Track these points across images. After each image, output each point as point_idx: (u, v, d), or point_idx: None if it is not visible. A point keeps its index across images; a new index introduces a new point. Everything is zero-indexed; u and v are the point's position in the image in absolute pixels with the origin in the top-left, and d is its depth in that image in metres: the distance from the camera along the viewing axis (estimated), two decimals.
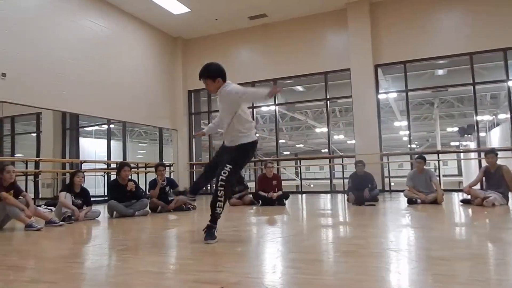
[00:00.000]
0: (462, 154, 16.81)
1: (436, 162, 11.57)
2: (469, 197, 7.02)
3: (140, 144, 21.77)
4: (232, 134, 3.96)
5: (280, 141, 17.60)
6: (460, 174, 25.31)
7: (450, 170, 28.33)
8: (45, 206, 8.17)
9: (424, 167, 7.62)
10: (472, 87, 10.90)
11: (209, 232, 3.70)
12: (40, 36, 9.07)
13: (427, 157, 8.03)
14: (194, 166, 13.77)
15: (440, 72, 14.52)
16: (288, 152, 33.83)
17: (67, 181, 8.90)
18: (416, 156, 7.97)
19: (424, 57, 11.26)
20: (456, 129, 23.39)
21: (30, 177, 9.34)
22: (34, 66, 8.84)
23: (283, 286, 2.25)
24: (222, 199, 3.75)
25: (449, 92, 18.28)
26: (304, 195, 11.49)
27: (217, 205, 3.75)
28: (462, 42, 10.71)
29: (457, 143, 28.46)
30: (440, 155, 12.09)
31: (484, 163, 7.81)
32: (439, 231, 4.27)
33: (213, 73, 4.01)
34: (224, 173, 3.75)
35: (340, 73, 12.23)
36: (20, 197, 5.38)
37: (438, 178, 8.18)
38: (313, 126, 25.22)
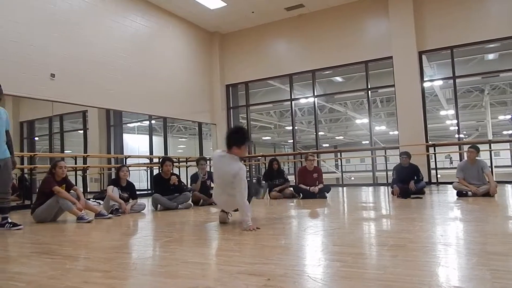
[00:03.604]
0: None
1: (488, 153, 10.95)
2: None
3: (180, 139, 22.11)
4: None
5: (319, 133, 17.43)
6: None
7: (502, 161, 27.10)
8: (94, 200, 8.46)
9: (476, 157, 7.29)
10: None
11: None
12: (86, 38, 9.48)
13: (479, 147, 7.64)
14: None
15: (491, 56, 13.83)
16: (327, 145, 33.47)
17: (113, 175, 9.17)
18: (469, 146, 7.56)
19: (473, 41, 10.78)
20: (508, 117, 22.26)
21: (79, 172, 9.69)
22: (80, 66, 9.24)
23: (330, 279, 2.22)
24: None
25: (500, 78, 17.33)
26: (345, 188, 11.34)
27: None
28: None
29: (510, 132, 27.17)
30: (492, 145, 11.51)
31: None
32: (492, 225, 4.07)
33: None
34: None
35: (382, 61, 11.95)
36: (71, 191, 5.66)
37: (490, 169, 7.80)
38: (353, 117, 24.82)
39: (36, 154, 9.59)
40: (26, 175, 9.03)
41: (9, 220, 4.84)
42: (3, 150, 4.86)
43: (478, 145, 7.56)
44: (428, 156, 11.07)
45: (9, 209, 5.03)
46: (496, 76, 16.45)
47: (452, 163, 20.32)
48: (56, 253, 3.25)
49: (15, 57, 7.98)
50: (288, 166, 22.56)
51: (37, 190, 6.31)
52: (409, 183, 7.58)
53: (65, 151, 12.22)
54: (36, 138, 12.21)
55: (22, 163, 9.11)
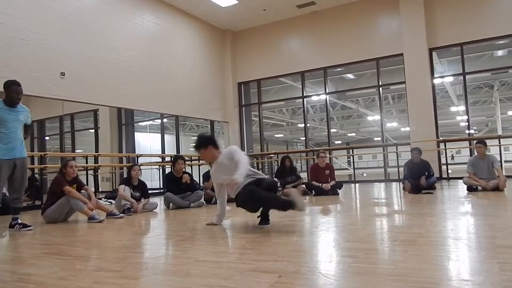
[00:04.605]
0: None
1: (497, 148, 10.93)
2: None
3: (192, 137, 22.18)
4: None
5: (332, 130, 17.39)
6: None
7: None
8: (105, 199, 8.51)
9: (486, 152, 7.27)
10: None
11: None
12: (97, 36, 9.50)
13: (487, 142, 7.64)
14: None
15: (500, 53, 13.75)
16: (339, 142, 33.37)
17: (125, 174, 9.22)
18: (476, 141, 7.61)
19: (483, 37, 10.73)
20: None
21: (90, 172, 9.75)
22: (91, 65, 9.26)
23: (342, 275, 2.23)
24: None
25: (510, 74, 17.29)
26: (357, 185, 11.31)
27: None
28: None
29: None
30: (501, 140, 11.44)
31: None
32: (502, 219, 4.08)
33: (203, 142, 4.35)
34: None
35: (393, 58, 11.92)
36: (82, 190, 5.64)
37: (500, 164, 7.78)
38: (364, 114, 24.72)
39: (47, 154, 9.65)
40: (36, 175, 9.08)
41: (19, 221, 4.81)
42: (20, 149, 4.84)
43: (487, 140, 7.56)
44: (438, 151, 11.02)
45: (21, 210, 4.99)
46: (505, 72, 16.33)
47: (453, 159, 20.18)
48: (66, 254, 3.26)
49: (26, 56, 8.02)
50: (301, 163, 22.51)
51: (47, 190, 6.28)
52: (420, 178, 7.54)
53: (76, 151, 12.30)
54: (47, 138, 12.30)
55: (32, 163, 9.19)
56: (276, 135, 31.03)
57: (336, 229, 3.83)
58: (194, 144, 4.42)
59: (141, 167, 7.00)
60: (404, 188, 7.74)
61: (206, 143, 4.34)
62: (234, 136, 13.81)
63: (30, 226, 4.81)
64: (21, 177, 4.87)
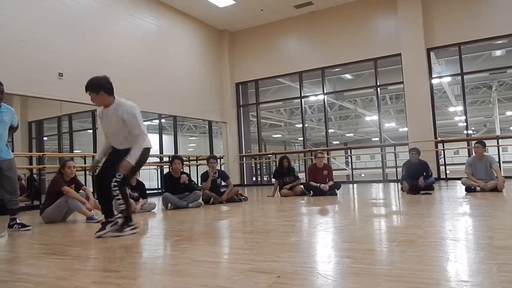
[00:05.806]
0: None
1: (496, 148, 10.96)
2: None
3: (190, 138, 22.22)
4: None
5: (329, 130, 17.41)
6: None
7: (510, 156, 26.94)
8: None
9: (484, 153, 7.28)
10: None
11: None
12: (95, 36, 9.49)
13: (486, 142, 7.65)
14: (244, 158, 13.90)
15: (498, 53, 13.78)
16: (337, 142, 33.41)
17: None
18: (475, 141, 7.62)
19: (481, 37, 10.73)
20: None
21: (88, 172, 9.74)
22: (89, 65, 9.21)
23: (340, 275, 2.23)
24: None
25: (508, 74, 17.35)
26: (355, 185, 11.31)
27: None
28: None
29: None
30: (499, 140, 11.46)
31: None
32: (501, 220, 4.08)
33: (95, 86, 3.97)
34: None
35: (390, 58, 11.92)
36: (80, 191, 5.65)
37: (498, 165, 7.79)
38: (362, 114, 24.74)
39: (45, 154, 9.63)
40: (35, 176, 9.07)
41: (18, 221, 4.78)
42: (6, 151, 4.71)
43: (486, 140, 7.57)
44: (437, 152, 11.03)
45: (18, 210, 4.95)
46: (504, 72, 16.37)
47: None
48: (65, 254, 3.25)
49: (24, 57, 7.99)
50: (299, 163, 22.54)
51: (46, 190, 6.27)
52: (418, 179, 7.55)
53: (74, 151, 12.28)
54: (45, 138, 12.26)
55: (30, 163, 9.17)
56: (274, 136, 31.06)
57: (334, 230, 3.83)
58: (85, 85, 4.00)
59: None
60: (402, 189, 7.74)
61: (97, 88, 3.97)
62: (232, 136, 13.81)
63: (28, 226, 4.79)
64: (9, 179, 4.75)
